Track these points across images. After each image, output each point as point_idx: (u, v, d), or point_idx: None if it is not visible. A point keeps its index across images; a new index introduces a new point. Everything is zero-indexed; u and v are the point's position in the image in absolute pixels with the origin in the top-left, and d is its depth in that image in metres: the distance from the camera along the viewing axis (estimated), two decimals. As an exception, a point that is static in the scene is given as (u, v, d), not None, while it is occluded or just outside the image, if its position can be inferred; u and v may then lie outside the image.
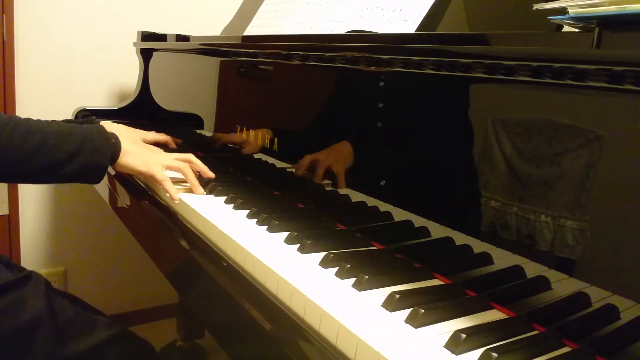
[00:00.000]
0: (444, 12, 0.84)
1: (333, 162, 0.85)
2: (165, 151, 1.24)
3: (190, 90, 1.39)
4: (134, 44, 1.63)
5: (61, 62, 1.68)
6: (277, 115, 1.03)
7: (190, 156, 0.99)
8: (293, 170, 0.94)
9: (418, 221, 0.70)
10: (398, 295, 0.56)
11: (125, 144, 0.93)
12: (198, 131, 1.30)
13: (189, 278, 0.82)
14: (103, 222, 1.81)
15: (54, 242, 1.78)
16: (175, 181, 0.98)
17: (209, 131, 1.26)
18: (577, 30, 0.51)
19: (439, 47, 0.66)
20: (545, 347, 0.50)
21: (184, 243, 0.83)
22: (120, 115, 1.61)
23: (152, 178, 0.95)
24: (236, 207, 0.87)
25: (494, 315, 0.57)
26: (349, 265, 0.63)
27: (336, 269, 0.64)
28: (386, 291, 0.58)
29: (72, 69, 1.70)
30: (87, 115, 1.57)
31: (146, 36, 1.60)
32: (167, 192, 0.93)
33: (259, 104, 1.08)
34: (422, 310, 0.53)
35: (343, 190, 0.82)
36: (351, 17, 0.95)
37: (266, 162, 1.02)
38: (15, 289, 0.83)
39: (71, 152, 0.85)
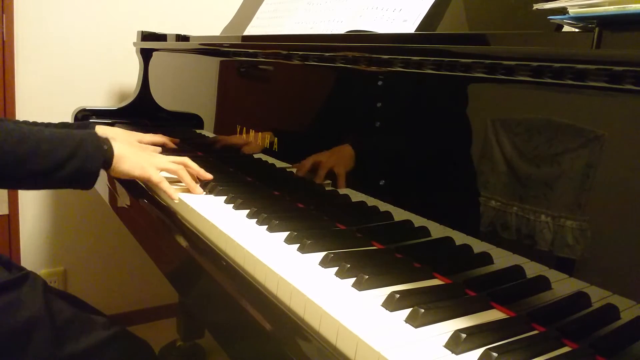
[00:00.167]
0: (444, 12, 0.84)
1: (335, 164, 0.85)
2: (163, 153, 1.25)
3: (190, 90, 1.39)
4: (134, 44, 1.63)
5: (61, 62, 1.68)
6: (277, 115, 1.03)
7: (186, 159, 0.99)
8: (293, 170, 0.94)
9: (418, 221, 0.70)
10: (398, 295, 0.56)
11: (118, 150, 0.92)
12: (198, 131, 1.30)
13: (189, 278, 0.82)
14: (103, 222, 1.81)
15: (53, 242, 1.78)
16: (175, 181, 0.98)
17: (209, 131, 1.26)
18: (577, 30, 0.51)
19: (438, 47, 0.66)
20: (545, 347, 0.50)
21: (183, 243, 0.83)
22: (120, 115, 1.61)
23: (148, 181, 0.95)
24: (236, 207, 0.87)
25: (494, 315, 0.57)
26: (349, 265, 0.63)
27: (336, 268, 0.64)
28: (386, 291, 0.58)
29: (72, 69, 1.70)
30: (87, 116, 1.57)
31: (146, 36, 1.60)
32: (165, 193, 0.93)
33: (259, 104, 1.08)
34: (422, 310, 0.53)
35: (343, 190, 0.82)
36: (351, 17, 0.95)
37: (266, 162, 1.02)
38: (12, 289, 0.83)
39: (64, 158, 0.85)
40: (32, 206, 1.72)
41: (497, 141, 0.60)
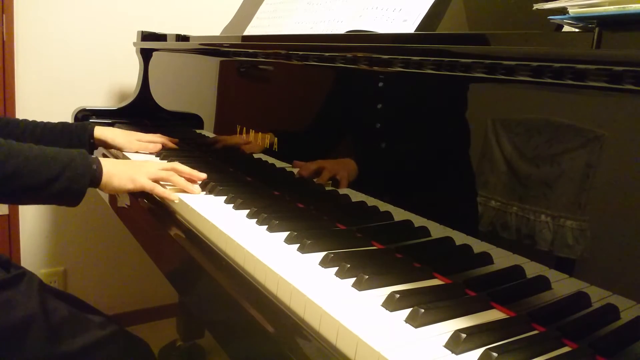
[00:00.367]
0: (444, 12, 0.84)
1: (333, 161, 0.85)
2: (163, 152, 1.25)
3: (190, 90, 1.39)
4: (134, 44, 1.63)
5: (61, 62, 1.68)
6: (277, 115, 1.03)
7: (176, 164, 1.00)
8: (293, 170, 0.94)
9: (418, 221, 0.70)
10: (398, 295, 0.56)
11: (107, 168, 0.93)
12: (198, 131, 1.30)
13: (189, 278, 0.82)
14: (103, 222, 1.81)
15: (54, 242, 1.78)
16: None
17: (209, 131, 1.26)
18: (577, 30, 0.51)
19: (438, 47, 0.66)
20: (545, 347, 0.50)
21: (183, 243, 0.83)
22: (120, 115, 1.61)
23: (141, 190, 0.95)
24: (236, 207, 0.87)
25: (494, 315, 0.57)
26: (349, 265, 0.63)
27: (336, 268, 0.64)
28: (386, 291, 0.58)
29: (72, 69, 1.70)
30: (87, 116, 1.57)
31: (146, 36, 1.60)
32: (161, 197, 0.93)
33: (259, 104, 1.08)
34: (422, 310, 0.53)
35: (343, 190, 0.82)
36: (351, 17, 0.95)
37: (266, 162, 1.02)
38: (7, 288, 0.83)
39: (50, 178, 0.86)
40: (32, 206, 1.72)
41: (497, 141, 0.60)
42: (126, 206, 1.10)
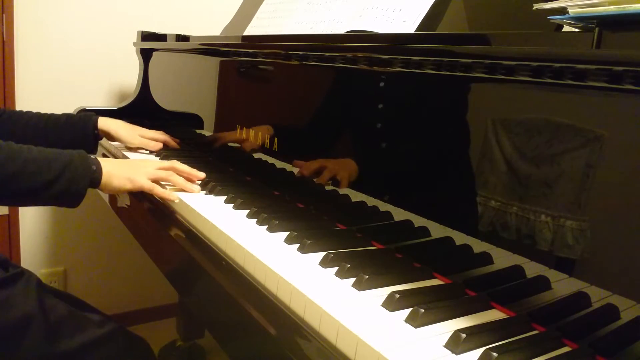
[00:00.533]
0: (444, 12, 0.84)
1: (333, 161, 0.85)
2: (163, 151, 1.25)
3: (190, 90, 1.39)
4: (134, 44, 1.63)
5: (61, 62, 1.68)
6: (276, 115, 1.03)
7: (174, 162, 1.00)
8: (293, 170, 0.94)
9: (418, 221, 0.70)
10: (398, 295, 0.56)
11: (107, 169, 0.93)
12: (198, 131, 1.30)
13: (189, 278, 0.82)
14: (103, 222, 1.81)
15: (53, 242, 1.78)
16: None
17: (209, 131, 1.26)
18: (577, 30, 0.51)
19: (439, 47, 0.66)
20: (545, 347, 0.50)
21: (183, 243, 0.83)
22: (120, 115, 1.60)
23: (140, 190, 0.95)
24: (236, 207, 0.87)
25: (494, 315, 0.57)
26: (349, 265, 0.63)
27: (336, 268, 0.64)
28: (386, 291, 0.58)
29: (72, 68, 1.70)
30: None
31: (146, 36, 1.60)
32: (160, 198, 0.93)
33: (259, 103, 1.08)
34: (422, 310, 0.53)
35: (343, 190, 0.82)
36: (351, 17, 0.95)
37: (266, 162, 1.02)
38: (5, 287, 0.83)
39: (49, 180, 0.85)
40: (32, 207, 1.72)
41: (497, 141, 0.60)
42: (126, 206, 1.10)
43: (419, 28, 0.83)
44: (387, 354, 0.46)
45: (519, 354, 0.48)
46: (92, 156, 0.94)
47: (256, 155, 1.05)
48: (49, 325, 0.84)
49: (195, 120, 1.31)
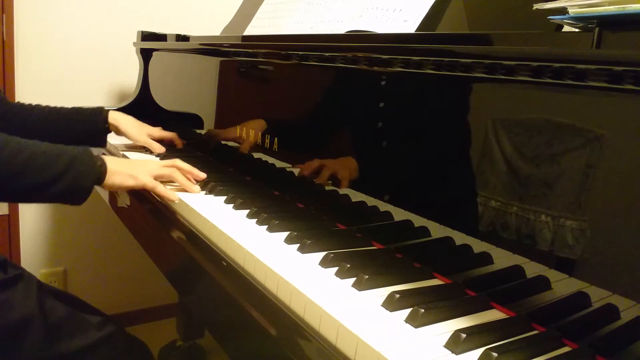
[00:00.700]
0: (444, 12, 0.84)
1: (333, 161, 0.85)
2: (168, 151, 1.25)
3: (190, 90, 1.39)
4: (134, 44, 1.63)
5: (61, 62, 1.68)
6: (277, 115, 1.03)
7: (177, 161, 1.00)
8: (293, 170, 0.94)
9: (418, 221, 0.70)
10: (398, 295, 0.56)
11: (110, 165, 0.92)
12: (198, 131, 1.30)
13: (189, 278, 0.82)
14: (103, 222, 1.81)
15: (53, 242, 1.78)
16: (169, 181, 0.98)
17: (209, 131, 1.26)
18: (577, 30, 0.51)
19: (439, 47, 0.66)
20: (545, 347, 0.50)
21: (183, 243, 0.83)
22: (120, 115, 1.61)
23: (143, 188, 0.95)
24: (236, 207, 0.87)
25: (494, 315, 0.57)
26: (349, 265, 0.63)
27: (336, 268, 0.64)
28: (386, 291, 0.58)
29: (72, 68, 1.70)
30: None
31: (146, 36, 1.60)
32: (162, 197, 0.93)
33: (259, 103, 1.08)
34: (422, 310, 0.53)
35: (343, 190, 0.82)
36: (351, 17, 0.95)
37: (266, 162, 1.02)
38: (4, 289, 0.83)
39: (58, 173, 0.85)
40: (32, 206, 1.72)
41: (497, 141, 0.60)
42: (126, 206, 1.10)
43: (419, 28, 0.83)
44: (387, 354, 0.46)
45: (519, 354, 0.48)
46: (104, 142, 0.93)
47: (256, 155, 1.05)
48: (49, 327, 0.84)
49: (195, 120, 1.31)
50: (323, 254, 0.67)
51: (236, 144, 1.12)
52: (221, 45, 1.19)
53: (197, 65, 1.33)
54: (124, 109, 1.61)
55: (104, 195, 1.29)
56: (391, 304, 0.55)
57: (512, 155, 0.58)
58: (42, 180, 0.84)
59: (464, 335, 0.48)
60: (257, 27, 1.26)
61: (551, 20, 0.52)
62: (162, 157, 1.22)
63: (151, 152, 1.25)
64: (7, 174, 0.81)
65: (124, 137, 1.26)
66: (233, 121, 1.13)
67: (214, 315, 0.74)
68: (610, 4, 0.45)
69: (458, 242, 0.65)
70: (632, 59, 0.46)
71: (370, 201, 0.77)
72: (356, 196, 0.80)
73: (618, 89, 0.49)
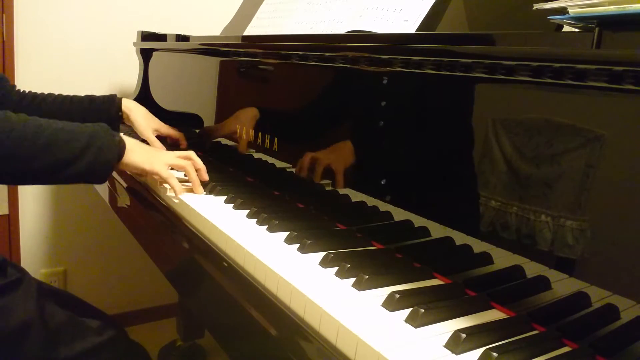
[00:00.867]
0: (444, 12, 0.84)
1: (333, 161, 0.85)
2: (168, 149, 1.25)
3: (190, 90, 1.39)
4: (134, 44, 1.63)
5: (61, 62, 1.68)
6: (276, 115, 1.03)
7: (192, 154, 0.99)
8: (293, 170, 0.94)
9: (418, 221, 0.70)
10: (398, 295, 0.56)
11: (129, 143, 0.91)
12: (198, 131, 1.30)
13: (189, 278, 0.82)
14: (103, 222, 1.81)
15: (54, 242, 1.78)
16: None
17: (209, 131, 1.26)
18: (577, 30, 0.51)
19: (439, 47, 0.66)
20: (545, 347, 0.50)
21: (183, 243, 0.83)
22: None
23: (156, 175, 0.94)
24: (236, 207, 0.87)
25: (494, 315, 0.57)
26: (349, 265, 0.63)
27: (336, 268, 0.64)
28: (386, 291, 0.58)
29: (72, 68, 1.70)
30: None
31: (146, 36, 1.60)
32: (173, 189, 0.93)
33: (259, 104, 1.08)
34: (422, 310, 0.53)
35: (343, 190, 0.82)
36: (351, 17, 0.95)
37: (266, 162, 1.02)
38: (4, 294, 0.83)
39: (80, 149, 0.83)
40: (32, 206, 1.72)
41: (497, 141, 0.60)
42: (126, 206, 1.10)
43: (419, 28, 0.83)
44: (387, 354, 0.46)
45: (519, 354, 0.48)
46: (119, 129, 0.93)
47: (256, 155, 1.05)
48: (48, 332, 0.84)
49: (195, 120, 1.31)
50: (323, 254, 0.67)
51: (236, 144, 1.12)
52: (221, 45, 1.19)
53: (197, 65, 1.33)
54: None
55: (104, 195, 1.29)
56: (391, 304, 0.55)
57: (512, 155, 0.58)
58: (65, 157, 0.82)
59: (464, 335, 0.48)
60: (257, 27, 1.26)
61: (551, 20, 0.52)
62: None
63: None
64: (31, 152, 0.80)
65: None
66: (233, 121, 1.13)
67: (214, 315, 0.74)
68: (610, 4, 0.45)
69: (458, 242, 0.65)
70: (632, 59, 0.46)
71: (370, 201, 0.77)
72: (356, 196, 0.80)
73: (618, 89, 0.49)
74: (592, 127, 0.52)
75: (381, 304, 0.56)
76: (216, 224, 0.78)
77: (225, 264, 0.72)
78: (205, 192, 0.95)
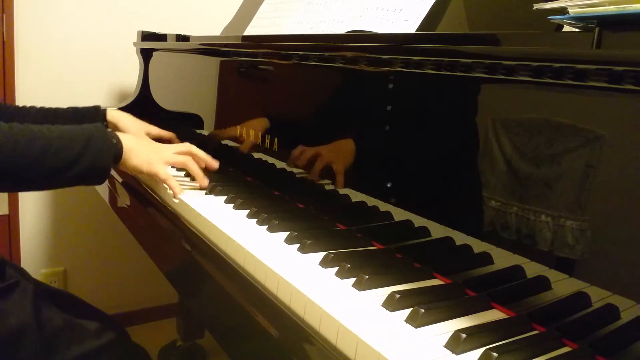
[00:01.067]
0: (444, 12, 0.84)
1: (333, 161, 0.85)
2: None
3: (190, 90, 1.39)
4: (134, 43, 1.63)
5: (61, 62, 1.68)
6: (277, 115, 1.03)
7: (192, 147, 0.97)
8: (293, 170, 0.94)
9: (418, 221, 0.70)
10: (398, 295, 0.56)
11: (127, 143, 0.91)
12: (198, 131, 1.30)
13: (189, 278, 0.82)
14: (103, 222, 1.81)
15: (53, 242, 1.78)
16: (175, 176, 0.98)
17: (209, 131, 1.26)
18: (577, 30, 0.51)
19: (439, 47, 0.66)
20: (545, 347, 0.50)
21: (183, 243, 0.83)
22: (120, 115, 1.61)
23: (155, 176, 0.94)
24: (236, 207, 0.87)
25: (494, 315, 0.57)
26: (349, 265, 0.63)
27: (336, 268, 0.64)
28: (386, 291, 0.58)
29: (72, 68, 1.70)
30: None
31: (146, 36, 1.60)
32: (171, 189, 0.92)
33: (259, 104, 1.08)
34: (422, 310, 0.53)
35: (343, 190, 0.82)
36: (351, 17, 0.95)
37: (266, 162, 1.02)
38: (0, 298, 0.82)
39: (75, 155, 0.83)
40: (32, 206, 1.72)
41: (497, 141, 0.60)
42: (126, 206, 1.10)
43: (419, 28, 0.83)
44: (387, 354, 0.46)
45: (519, 354, 0.48)
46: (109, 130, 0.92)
47: (256, 155, 1.05)
48: (45, 337, 0.83)
49: (195, 120, 1.31)
50: (323, 254, 0.67)
51: (236, 144, 1.12)
52: (221, 45, 1.19)
53: (197, 65, 1.33)
54: (124, 109, 1.61)
55: (104, 195, 1.29)
56: (391, 304, 0.55)
57: (512, 155, 0.58)
58: (60, 164, 0.82)
59: (464, 335, 0.48)
60: (257, 27, 1.26)
61: (551, 20, 0.52)
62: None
63: None
64: (24, 162, 0.80)
65: None
66: (233, 121, 1.13)
67: (214, 315, 0.74)
68: (610, 4, 0.45)
69: (458, 242, 0.65)
70: (632, 59, 0.46)
71: (370, 201, 0.77)
72: (356, 196, 0.80)
73: (618, 89, 0.49)
74: (592, 127, 0.52)
75: (381, 304, 0.56)
76: (216, 224, 0.78)
77: (225, 264, 0.72)
78: (205, 192, 0.95)
